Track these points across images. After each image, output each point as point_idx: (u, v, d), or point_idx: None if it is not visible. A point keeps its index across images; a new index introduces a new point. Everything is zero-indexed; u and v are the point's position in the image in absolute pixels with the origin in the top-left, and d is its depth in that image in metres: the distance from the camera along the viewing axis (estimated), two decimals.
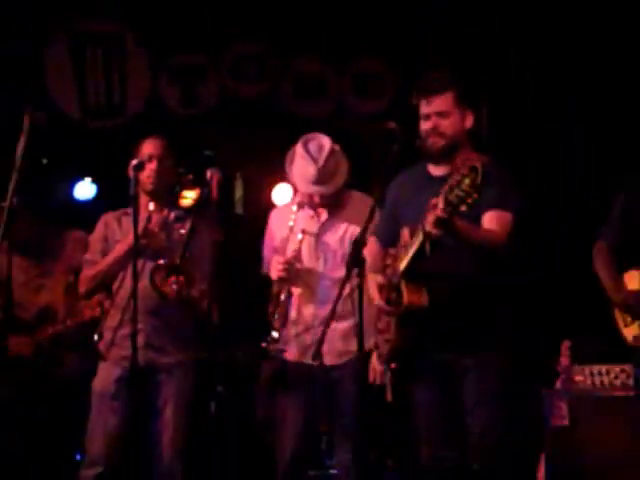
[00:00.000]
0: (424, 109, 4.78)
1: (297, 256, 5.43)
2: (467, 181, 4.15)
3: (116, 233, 5.54)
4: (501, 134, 7.69)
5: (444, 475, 4.74)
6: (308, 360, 5.30)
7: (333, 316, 4.83)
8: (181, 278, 5.27)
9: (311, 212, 5.53)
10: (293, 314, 5.48)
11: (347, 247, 5.32)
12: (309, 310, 5.44)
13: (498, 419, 4.64)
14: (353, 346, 5.04)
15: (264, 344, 5.41)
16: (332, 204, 5.51)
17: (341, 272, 5.05)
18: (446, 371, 4.70)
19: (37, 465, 5.68)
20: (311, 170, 5.38)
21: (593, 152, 7.63)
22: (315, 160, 5.38)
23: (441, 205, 4.22)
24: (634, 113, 7.22)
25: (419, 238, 4.44)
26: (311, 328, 5.39)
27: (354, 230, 5.27)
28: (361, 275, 4.56)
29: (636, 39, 7.42)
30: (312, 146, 5.43)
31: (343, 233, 5.47)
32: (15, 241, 5.67)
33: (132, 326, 5.03)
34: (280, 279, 5.41)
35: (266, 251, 5.66)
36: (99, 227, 5.65)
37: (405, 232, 4.65)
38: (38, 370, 6.19)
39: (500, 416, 4.64)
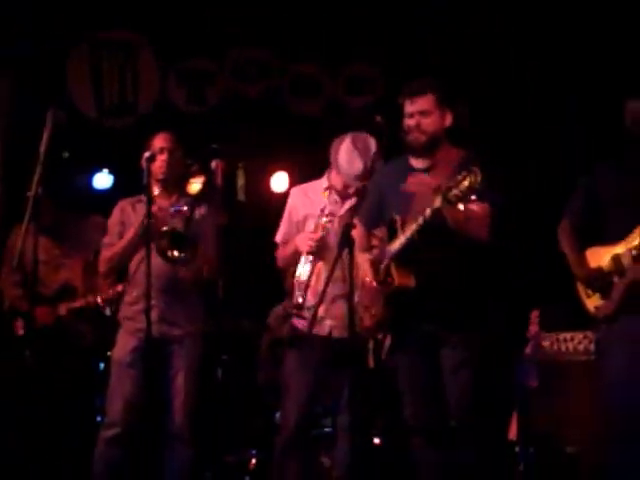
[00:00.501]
0: (408, 108, 4.82)
1: (325, 236, 5.44)
2: (466, 183, 4.22)
3: (131, 217, 5.56)
4: (501, 134, 7.61)
5: (424, 431, 4.77)
6: (317, 331, 5.35)
7: (325, 293, 4.87)
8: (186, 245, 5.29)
9: (337, 198, 5.55)
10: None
11: None
12: (322, 287, 5.44)
13: (474, 382, 4.67)
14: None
15: (288, 308, 5.42)
16: (360, 195, 5.53)
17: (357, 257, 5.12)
18: (427, 340, 4.73)
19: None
20: (359, 166, 5.37)
21: (593, 152, 7.55)
22: (363, 159, 5.38)
23: (438, 203, 4.34)
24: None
25: (413, 227, 4.50)
26: (321, 304, 5.39)
27: None
28: (351, 254, 4.58)
29: (636, 39, 7.36)
30: (361, 145, 5.42)
31: None
32: (40, 224, 5.74)
33: (146, 302, 5.05)
34: (308, 253, 5.41)
35: (285, 223, 5.65)
36: (116, 212, 5.67)
37: (398, 220, 4.67)
38: (59, 339, 6.22)
39: (476, 379, 4.68)
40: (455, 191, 4.29)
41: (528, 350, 5.95)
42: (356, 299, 4.76)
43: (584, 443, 5.63)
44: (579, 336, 5.87)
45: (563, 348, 5.88)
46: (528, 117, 7.70)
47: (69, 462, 6.02)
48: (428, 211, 4.47)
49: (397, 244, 4.66)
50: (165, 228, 5.31)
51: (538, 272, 6.96)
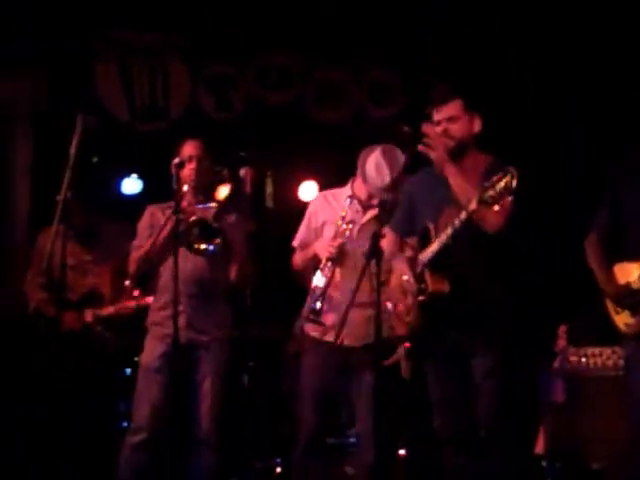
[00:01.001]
0: (436, 116, 4.84)
1: (344, 243, 5.48)
2: (502, 184, 4.24)
3: (160, 221, 5.56)
4: (501, 134, 7.59)
5: (453, 441, 4.76)
6: (328, 338, 5.40)
7: (352, 303, 4.86)
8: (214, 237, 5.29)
9: (359, 207, 5.57)
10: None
11: None
12: (338, 294, 5.45)
13: (503, 391, 4.66)
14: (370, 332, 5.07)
15: (304, 314, 5.44)
16: (380, 208, 5.54)
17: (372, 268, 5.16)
18: (457, 349, 4.72)
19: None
20: (386, 179, 5.43)
21: (593, 152, 7.52)
22: (391, 171, 5.43)
23: (474, 206, 4.38)
24: (634, 113, 7.12)
25: (448, 231, 4.53)
26: (336, 310, 5.41)
27: None
28: (378, 265, 4.59)
29: (636, 39, 7.33)
30: (390, 157, 5.49)
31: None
32: (71, 229, 5.76)
33: (173, 307, 5.05)
34: (328, 259, 5.43)
35: (303, 228, 5.71)
36: (145, 216, 5.69)
37: (431, 227, 4.67)
38: (84, 344, 6.22)
39: (504, 388, 4.67)
40: (491, 192, 4.32)
41: (556, 365, 5.92)
42: (389, 306, 4.77)
43: (610, 459, 5.60)
44: (607, 351, 5.84)
45: (591, 363, 5.85)
46: (528, 117, 7.66)
47: (94, 467, 6.01)
48: (464, 214, 4.48)
49: (430, 250, 4.68)
50: (194, 217, 5.32)
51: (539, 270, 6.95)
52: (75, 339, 6.14)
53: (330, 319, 5.45)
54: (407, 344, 5.11)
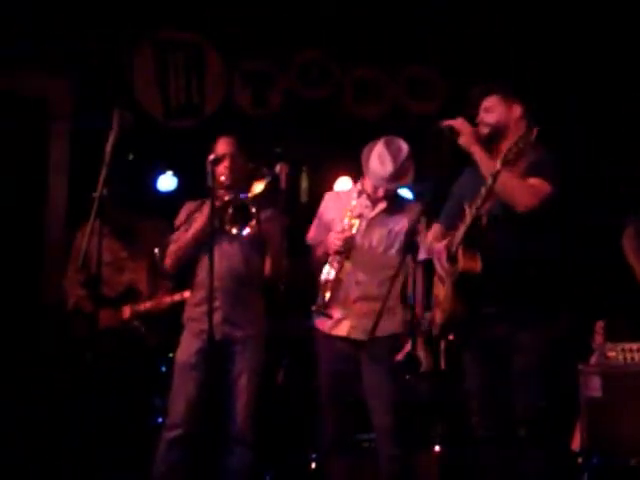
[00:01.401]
0: (479, 110, 4.87)
1: (353, 236, 5.48)
2: (522, 140, 4.48)
3: (197, 219, 5.57)
4: None
5: (492, 439, 4.74)
6: (337, 332, 5.47)
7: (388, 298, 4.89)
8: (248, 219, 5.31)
9: (368, 202, 5.57)
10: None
11: (393, 239, 5.52)
12: (346, 287, 5.46)
13: (542, 391, 4.66)
14: (384, 325, 5.13)
15: (314, 307, 5.45)
16: (390, 200, 5.54)
17: (382, 259, 5.46)
18: (500, 345, 4.70)
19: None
20: (389, 168, 5.47)
21: (593, 152, 7.46)
22: (394, 161, 5.46)
23: (498, 166, 4.49)
24: (634, 113, 7.08)
25: (477, 201, 4.62)
26: (342, 304, 5.42)
27: (403, 226, 5.51)
28: (414, 260, 4.59)
29: (636, 39, 7.28)
30: (393, 147, 5.52)
31: (392, 227, 5.56)
32: (110, 225, 5.81)
33: (209, 304, 5.08)
34: (336, 252, 5.46)
35: (314, 225, 5.76)
36: (182, 212, 5.73)
37: (467, 208, 4.68)
38: (122, 341, 6.25)
39: (544, 389, 4.66)
40: (514, 149, 4.45)
41: (593, 360, 5.88)
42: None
43: None
44: None
45: (628, 359, 5.80)
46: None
47: (129, 462, 6.04)
48: (490, 178, 4.52)
49: (464, 226, 4.70)
50: (228, 197, 5.34)
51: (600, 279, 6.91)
52: (112, 336, 6.18)
53: (337, 313, 5.47)
54: (450, 337, 5.09)
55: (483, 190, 4.56)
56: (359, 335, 5.44)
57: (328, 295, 5.42)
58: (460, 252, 4.68)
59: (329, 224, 5.66)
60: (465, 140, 4.74)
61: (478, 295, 4.72)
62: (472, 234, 4.66)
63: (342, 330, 5.49)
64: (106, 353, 5.90)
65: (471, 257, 4.66)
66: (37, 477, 6.33)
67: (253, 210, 5.32)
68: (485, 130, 4.83)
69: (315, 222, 5.77)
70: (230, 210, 5.35)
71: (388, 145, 5.52)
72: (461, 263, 4.67)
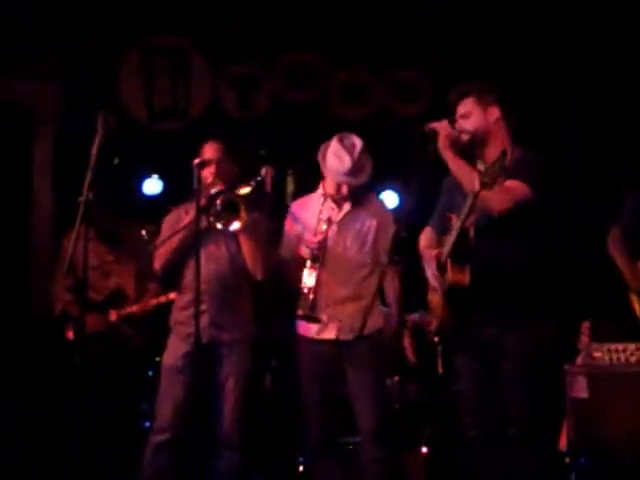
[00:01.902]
0: (456, 117, 4.84)
1: (324, 240, 5.50)
2: (498, 163, 4.48)
3: (184, 220, 5.57)
4: None
5: (482, 440, 4.76)
6: (321, 336, 5.49)
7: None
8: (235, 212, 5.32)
9: (333, 205, 5.62)
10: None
11: (364, 238, 5.55)
12: (327, 291, 5.47)
13: (530, 393, 4.66)
14: (368, 323, 5.15)
15: (300, 312, 5.45)
16: (354, 199, 5.57)
17: (358, 259, 5.51)
18: (488, 347, 4.72)
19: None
20: (346, 163, 5.49)
21: (593, 152, 7.47)
22: (350, 154, 5.50)
23: (476, 187, 4.42)
24: (634, 113, 7.09)
25: (461, 219, 4.59)
26: (327, 307, 5.44)
27: (371, 224, 5.57)
28: (401, 262, 4.61)
29: (636, 39, 7.30)
30: (347, 142, 5.56)
31: (361, 226, 5.59)
32: (97, 229, 5.81)
33: (195, 307, 5.08)
34: (312, 257, 5.46)
35: (284, 243, 5.72)
36: (169, 217, 5.73)
37: (453, 218, 4.68)
38: (109, 344, 6.25)
39: (531, 390, 4.67)
40: (490, 171, 4.45)
41: (579, 360, 5.90)
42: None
43: (634, 455, 5.58)
44: (631, 347, 5.80)
45: (615, 359, 5.82)
46: (528, 117, 7.61)
47: (117, 467, 6.04)
48: (470, 198, 4.52)
49: (450, 241, 4.69)
50: (214, 190, 5.37)
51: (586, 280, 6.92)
52: (99, 340, 6.18)
53: (322, 316, 5.49)
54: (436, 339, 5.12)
55: (466, 207, 4.56)
56: (346, 336, 5.45)
57: (311, 299, 5.42)
58: (449, 265, 4.70)
59: (299, 234, 5.66)
60: (440, 144, 4.72)
61: (466, 305, 4.73)
62: (460, 247, 4.67)
63: (330, 333, 5.50)
64: (93, 357, 5.91)
65: (459, 270, 4.67)
66: (40, 470, 6.32)
67: (241, 204, 5.32)
68: (465, 137, 4.81)
69: (284, 237, 5.75)
70: (218, 203, 5.34)
71: (342, 141, 5.55)
72: (450, 276, 4.68)
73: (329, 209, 5.62)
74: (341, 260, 5.53)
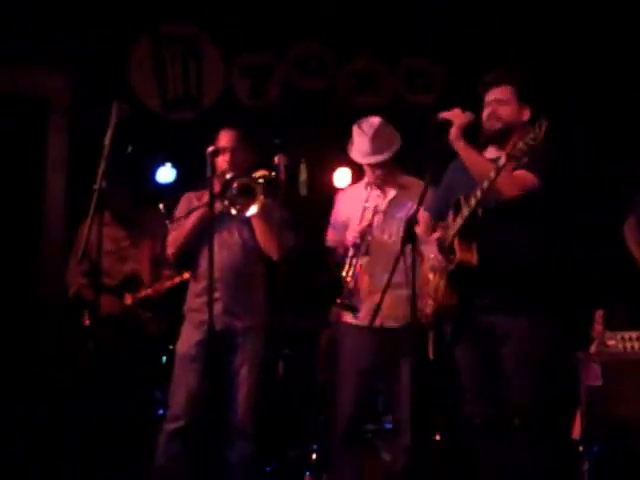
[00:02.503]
0: (486, 98, 4.87)
1: (369, 228, 5.51)
2: (531, 135, 4.33)
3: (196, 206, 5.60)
4: None
5: (486, 429, 4.75)
6: (364, 323, 5.42)
7: (389, 285, 4.87)
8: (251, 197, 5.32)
9: (378, 192, 5.61)
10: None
11: None
12: (371, 278, 5.48)
13: (535, 381, 4.66)
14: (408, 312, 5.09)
15: (339, 300, 5.45)
16: (398, 185, 5.61)
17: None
18: (488, 334, 4.70)
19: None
20: (365, 144, 5.56)
21: (593, 152, 7.45)
22: (368, 132, 5.56)
23: (503, 160, 4.38)
24: (634, 113, 7.07)
25: (476, 196, 4.52)
26: (371, 294, 5.42)
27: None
28: (414, 251, 4.59)
29: (636, 39, 7.28)
30: (364, 125, 5.62)
31: (407, 212, 5.51)
32: (109, 213, 5.83)
33: (209, 294, 5.08)
34: (354, 245, 5.49)
35: (332, 226, 5.75)
36: (182, 202, 5.74)
37: (462, 200, 4.66)
38: (124, 328, 6.27)
39: (537, 378, 4.66)
40: (520, 144, 4.34)
41: (592, 349, 5.89)
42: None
43: None
44: None
45: (628, 347, 5.80)
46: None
47: (131, 454, 6.06)
48: (492, 172, 4.46)
49: (460, 219, 4.67)
50: (229, 175, 5.35)
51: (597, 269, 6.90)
52: (114, 322, 6.20)
53: (367, 304, 5.48)
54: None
55: (486, 184, 4.51)
56: (391, 324, 5.46)
57: (351, 288, 5.43)
58: (456, 244, 4.67)
59: (346, 223, 5.69)
60: (452, 134, 4.68)
61: (472, 287, 4.71)
62: (469, 226, 4.65)
63: (376, 320, 5.48)
64: (108, 341, 5.93)
65: (467, 249, 4.65)
66: (40, 470, 6.34)
67: (258, 188, 5.31)
68: (497, 125, 4.76)
69: (331, 225, 5.80)
70: (235, 187, 5.34)
71: (360, 125, 5.62)
72: (458, 255, 4.65)
73: (375, 197, 5.64)
74: (386, 248, 5.51)
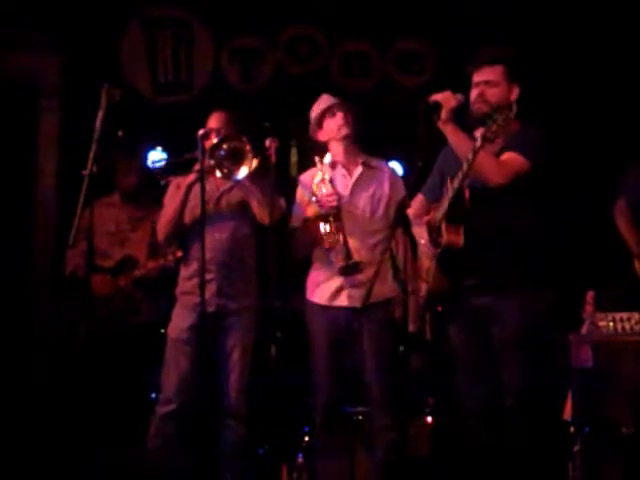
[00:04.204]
0: (475, 78, 4.80)
1: (341, 195, 5.56)
2: (502, 116, 4.34)
3: (180, 188, 5.59)
4: None
5: (477, 411, 4.74)
6: (333, 303, 5.49)
7: (378, 274, 4.89)
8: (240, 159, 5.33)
9: (344, 171, 5.63)
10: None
11: (377, 204, 5.55)
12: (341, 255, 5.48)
13: (525, 362, 4.64)
14: (377, 291, 5.13)
15: (340, 263, 5.45)
16: (363, 167, 5.59)
17: (371, 224, 5.49)
18: (479, 316, 4.69)
19: None
20: (324, 97, 5.69)
21: (593, 152, 7.43)
22: (328, 99, 5.70)
23: (479, 143, 4.38)
24: (634, 113, 7.05)
25: (459, 178, 4.50)
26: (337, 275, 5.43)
27: (383, 190, 5.58)
28: (406, 233, 4.57)
29: (636, 39, 7.26)
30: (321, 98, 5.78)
31: (372, 194, 5.60)
32: (118, 193, 5.80)
33: (201, 276, 5.07)
34: (333, 208, 5.48)
35: (295, 209, 5.75)
36: (171, 188, 5.70)
37: (448, 181, 4.64)
38: (117, 309, 6.26)
39: (527, 359, 4.64)
40: (493, 127, 4.34)
41: (583, 330, 5.88)
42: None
43: (639, 424, 5.57)
44: (636, 316, 5.78)
45: (619, 328, 5.80)
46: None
47: (124, 438, 6.04)
48: (470, 154, 4.45)
49: (446, 200, 4.64)
50: (216, 139, 5.34)
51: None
52: (107, 303, 6.18)
53: (334, 282, 5.49)
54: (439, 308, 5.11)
55: (465, 166, 4.50)
56: (355, 303, 5.43)
57: (346, 249, 5.42)
58: (443, 226, 4.65)
59: (307, 201, 5.68)
60: (442, 116, 4.63)
61: (460, 268, 4.69)
62: (455, 208, 4.62)
63: (342, 300, 5.49)
64: (101, 323, 5.92)
65: (454, 231, 4.63)
66: (32, 452, 6.33)
67: (248, 152, 5.29)
68: (484, 108, 4.70)
69: (294, 207, 5.77)
70: (224, 148, 5.32)
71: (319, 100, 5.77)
72: (445, 237, 4.63)
73: (340, 176, 5.63)
74: (354, 224, 5.51)
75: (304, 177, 5.82)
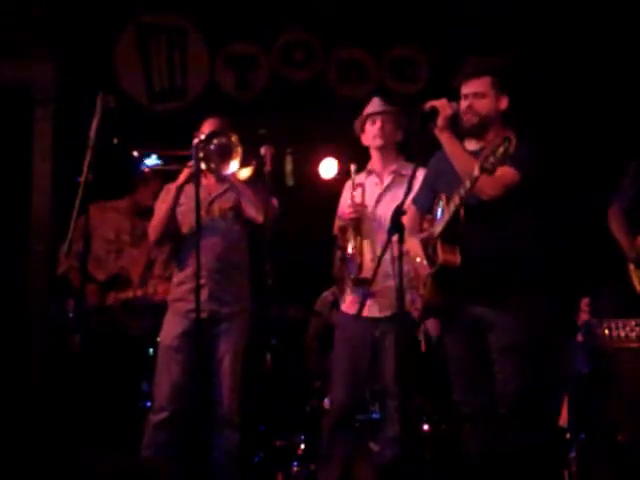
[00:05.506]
0: (463, 90, 4.82)
1: (362, 206, 5.59)
2: (501, 149, 4.25)
3: (170, 190, 5.61)
4: None
5: (473, 417, 4.74)
6: (365, 314, 5.39)
7: (375, 277, 4.88)
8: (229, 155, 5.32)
9: (376, 179, 5.67)
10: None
11: None
12: (365, 266, 5.48)
13: (517, 370, 4.64)
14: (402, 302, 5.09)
15: (352, 276, 5.50)
16: (394, 175, 5.60)
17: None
18: (475, 324, 4.70)
19: None
20: (374, 100, 5.72)
21: (593, 152, 7.44)
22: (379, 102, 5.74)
23: (476, 173, 4.36)
24: (634, 113, 7.06)
25: (455, 202, 4.48)
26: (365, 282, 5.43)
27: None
28: (400, 241, 4.56)
29: (636, 39, 7.27)
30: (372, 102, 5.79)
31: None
32: (130, 201, 5.79)
33: (196, 283, 5.06)
34: (352, 220, 5.53)
35: (338, 215, 5.79)
36: (162, 193, 5.71)
37: (444, 198, 4.65)
38: (107, 324, 6.24)
39: (520, 367, 4.65)
40: (491, 159, 4.30)
41: (579, 337, 5.89)
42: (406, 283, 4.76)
43: (635, 430, 5.58)
44: (631, 323, 5.79)
45: (614, 335, 5.81)
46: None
47: (118, 446, 6.03)
48: (468, 182, 4.46)
49: (442, 221, 4.65)
50: (204, 134, 5.34)
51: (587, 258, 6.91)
52: (97, 316, 6.17)
53: (358, 292, 5.49)
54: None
55: (462, 191, 4.52)
56: (383, 313, 5.46)
57: (358, 263, 5.48)
58: (439, 245, 4.67)
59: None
60: (438, 124, 4.65)
61: (457, 285, 4.70)
62: (450, 227, 4.64)
63: (371, 311, 5.49)
64: (93, 332, 5.92)
65: (450, 250, 4.65)
66: (26, 461, 6.31)
67: (236, 149, 5.29)
68: (474, 120, 4.75)
69: (337, 214, 5.82)
70: (214, 142, 5.31)
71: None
72: (440, 256, 4.65)
73: (372, 184, 5.65)
74: (375, 236, 5.51)
75: (349, 183, 5.86)
